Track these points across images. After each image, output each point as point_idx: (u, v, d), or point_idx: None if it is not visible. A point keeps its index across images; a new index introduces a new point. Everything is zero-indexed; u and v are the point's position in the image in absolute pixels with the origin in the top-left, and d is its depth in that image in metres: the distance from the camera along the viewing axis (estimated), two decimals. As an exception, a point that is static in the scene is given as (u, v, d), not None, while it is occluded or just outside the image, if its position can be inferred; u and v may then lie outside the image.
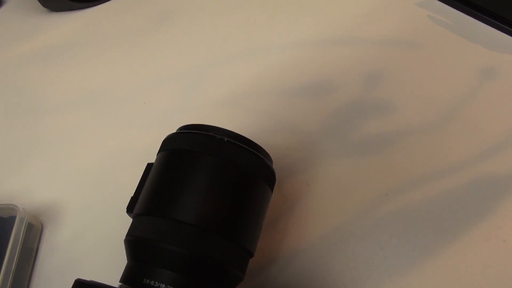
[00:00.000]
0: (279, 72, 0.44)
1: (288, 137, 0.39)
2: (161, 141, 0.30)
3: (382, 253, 0.33)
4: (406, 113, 0.40)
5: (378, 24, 0.46)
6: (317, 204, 0.35)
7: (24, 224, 0.32)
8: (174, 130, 0.32)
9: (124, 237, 0.27)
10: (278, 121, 0.40)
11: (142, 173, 0.29)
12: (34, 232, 0.34)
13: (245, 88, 0.43)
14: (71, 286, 0.23)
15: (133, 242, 0.26)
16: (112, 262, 0.30)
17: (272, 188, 0.30)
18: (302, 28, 0.47)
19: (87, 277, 0.25)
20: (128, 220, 0.28)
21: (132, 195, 0.28)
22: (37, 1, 0.48)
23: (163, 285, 0.23)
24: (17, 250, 0.31)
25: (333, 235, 0.34)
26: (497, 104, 0.40)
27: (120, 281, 0.25)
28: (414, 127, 0.39)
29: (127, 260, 0.26)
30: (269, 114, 0.41)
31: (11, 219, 0.33)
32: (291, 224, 0.34)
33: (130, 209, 0.27)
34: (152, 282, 0.23)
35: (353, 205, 0.35)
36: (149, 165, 0.29)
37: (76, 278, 0.24)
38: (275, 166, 0.30)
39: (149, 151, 0.33)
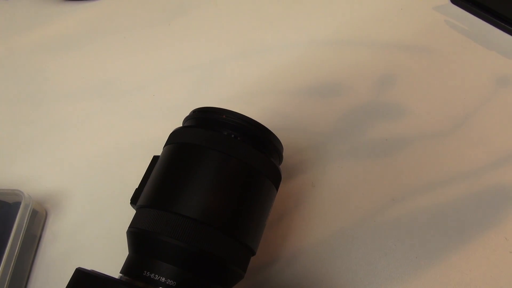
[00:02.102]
0: (291, 71, 0.43)
1: (296, 136, 0.39)
2: (168, 135, 0.30)
3: (385, 258, 0.32)
4: (417, 119, 0.39)
5: (393, 27, 0.46)
6: (321, 205, 0.35)
7: (28, 211, 0.33)
8: (181, 124, 0.32)
9: (126, 228, 0.27)
10: (288, 120, 0.40)
11: (147, 166, 0.29)
12: (38, 219, 0.35)
13: (255, 85, 0.43)
14: (71, 274, 0.23)
15: (135, 234, 0.25)
16: (113, 253, 0.30)
17: (277, 186, 0.29)
18: (316, 28, 0.46)
19: (88, 266, 0.25)
20: (132, 212, 0.28)
21: (137, 187, 0.28)
22: (53, -11, 0.49)
23: (163, 279, 0.23)
24: (21, 236, 0.32)
25: (336, 238, 0.33)
26: (510, 112, 0.39)
27: (120, 272, 0.25)
28: (424, 132, 0.38)
29: (129, 251, 0.26)
30: (279, 113, 0.40)
31: (16, 205, 0.33)
32: (294, 224, 0.34)
33: (134, 201, 0.27)
34: (152, 275, 0.23)
35: (358, 209, 0.35)
36: (155, 158, 0.29)
37: (77, 266, 0.24)
38: (281, 165, 0.30)
39: (156, 144, 0.32)
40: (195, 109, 0.30)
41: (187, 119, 0.31)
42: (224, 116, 0.28)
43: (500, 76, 0.41)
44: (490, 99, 0.40)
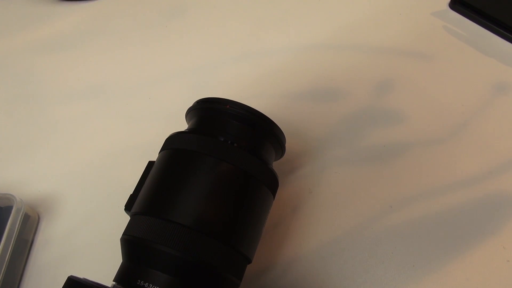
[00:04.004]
0: (289, 75, 0.43)
1: (293, 141, 0.38)
2: (164, 139, 0.29)
3: (382, 266, 0.32)
4: (415, 125, 0.39)
5: (392, 32, 0.45)
6: (318, 212, 0.35)
7: (20, 215, 0.32)
8: (177, 127, 0.31)
9: (120, 235, 0.26)
10: (284, 125, 0.39)
11: (142, 171, 0.29)
12: (30, 224, 0.34)
13: (252, 89, 0.42)
14: (63, 281, 0.23)
15: (129, 241, 0.25)
16: (107, 259, 0.29)
17: (274, 193, 0.29)
18: (314, 33, 0.46)
19: (81, 273, 0.24)
20: (126, 218, 0.27)
21: (131, 193, 0.28)
22: (48, -11, 0.48)
23: (157, 288, 0.23)
24: (12, 241, 0.31)
25: (333, 245, 0.33)
26: (509, 120, 0.39)
27: (114, 280, 0.25)
28: (422, 139, 0.38)
29: (122, 259, 0.26)
30: (276, 117, 0.40)
31: (8, 209, 0.32)
32: (291, 231, 0.34)
33: (128, 207, 0.27)
34: (146, 284, 0.23)
35: (355, 215, 0.34)
36: (150, 163, 0.29)
37: (69, 274, 0.23)
38: (278, 170, 0.30)
39: (151, 148, 0.32)
40: (199, 100, 0.30)
41: (190, 110, 0.30)
42: (228, 106, 0.28)
43: (499, 83, 0.41)
44: (489, 106, 0.40)
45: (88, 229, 0.34)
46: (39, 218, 0.35)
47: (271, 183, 0.28)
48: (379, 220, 0.34)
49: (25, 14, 0.50)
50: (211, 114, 0.29)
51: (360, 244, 0.33)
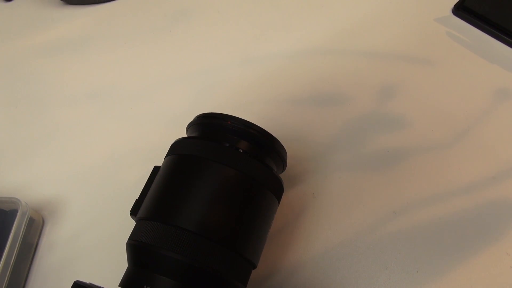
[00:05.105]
0: (292, 79, 0.43)
1: (296, 146, 0.38)
2: (169, 143, 0.29)
3: (386, 272, 0.32)
4: (419, 130, 0.39)
5: (395, 38, 0.46)
6: (322, 217, 0.35)
7: (25, 219, 0.32)
8: (182, 132, 0.31)
9: (126, 239, 0.26)
10: (288, 130, 0.40)
11: (148, 175, 0.29)
12: (35, 227, 0.34)
13: (256, 94, 0.42)
14: (68, 285, 0.23)
15: (135, 246, 0.25)
16: (112, 264, 0.29)
17: (279, 199, 0.29)
18: (317, 37, 0.46)
19: (86, 277, 0.24)
20: (131, 222, 0.27)
21: (137, 198, 0.28)
22: (54, -7, 0.48)
23: (163, 293, 0.23)
24: (17, 245, 0.31)
25: (337, 250, 0.33)
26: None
27: (119, 285, 0.25)
28: (426, 144, 0.38)
29: (128, 264, 0.26)
30: (279, 122, 0.40)
31: (13, 213, 0.32)
32: (295, 236, 0.34)
33: (134, 212, 0.27)
34: (152, 290, 0.23)
35: (359, 221, 0.34)
36: (156, 168, 0.29)
37: (74, 278, 0.24)
38: (281, 175, 0.30)
39: (156, 152, 0.32)
40: (199, 115, 0.30)
41: (190, 124, 0.30)
42: (229, 122, 0.28)
43: (502, 89, 0.41)
44: (491, 112, 0.40)
45: (93, 233, 0.34)
46: (43, 222, 0.35)
47: (276, 189, 0.28)
48: (382, 225, 0.34)
49: (31, 18, 0.50)
50: (212, 129, 0.29)
51: (363, 250, 0.33)
